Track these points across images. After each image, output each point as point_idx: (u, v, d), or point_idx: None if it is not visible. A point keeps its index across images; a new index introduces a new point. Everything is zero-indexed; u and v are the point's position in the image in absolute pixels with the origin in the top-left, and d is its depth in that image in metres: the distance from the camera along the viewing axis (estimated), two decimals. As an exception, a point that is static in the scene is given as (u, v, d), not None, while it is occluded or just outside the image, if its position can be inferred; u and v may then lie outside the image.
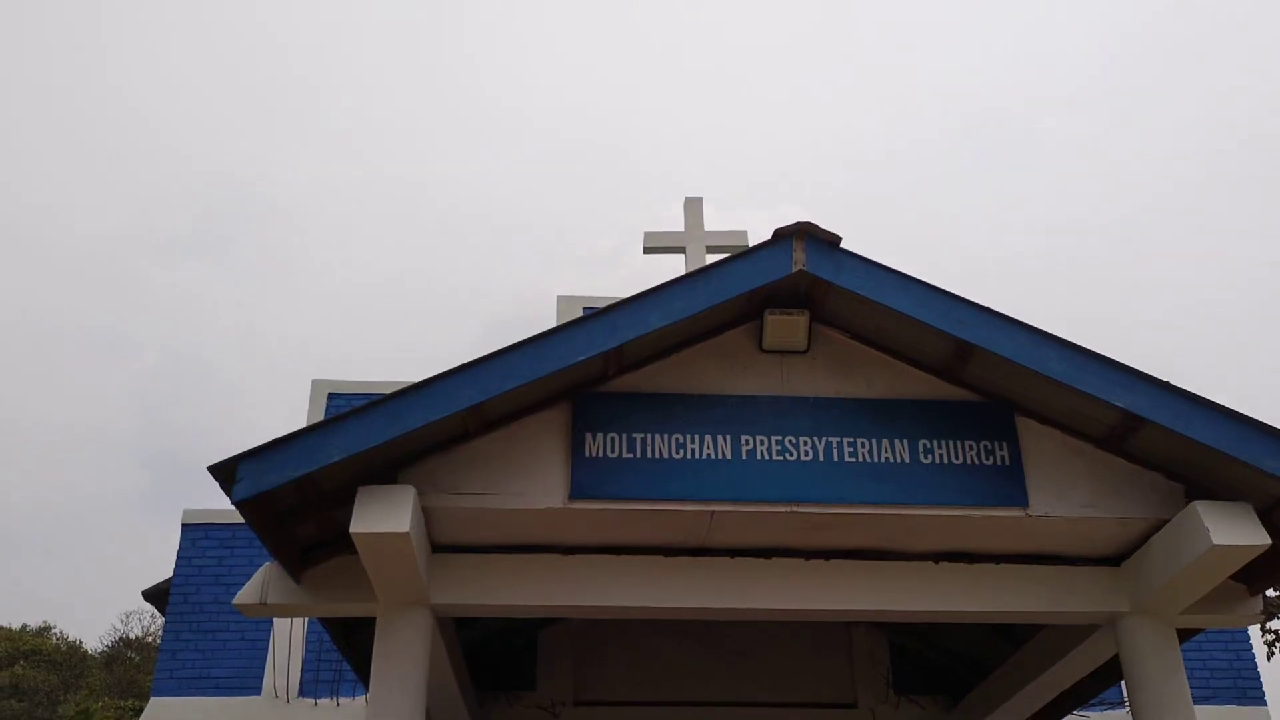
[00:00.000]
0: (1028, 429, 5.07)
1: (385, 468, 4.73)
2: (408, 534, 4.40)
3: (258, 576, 4.96)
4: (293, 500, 4.58)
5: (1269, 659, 14.22)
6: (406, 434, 4.51)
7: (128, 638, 31.75)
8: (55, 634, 31.87)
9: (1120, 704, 7.66)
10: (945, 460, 4.95)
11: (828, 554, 5.16)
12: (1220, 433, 4.66)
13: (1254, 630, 14.93)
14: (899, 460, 4.94)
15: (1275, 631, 14.36)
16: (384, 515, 4.44)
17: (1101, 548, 5.13)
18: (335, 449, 4.40)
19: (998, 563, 5.18)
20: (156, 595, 8.71)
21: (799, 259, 4.89)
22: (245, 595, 4.92)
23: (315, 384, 8.60)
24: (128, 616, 31.92)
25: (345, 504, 4.56)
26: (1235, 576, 5.03)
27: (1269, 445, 4.62)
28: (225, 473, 4.31)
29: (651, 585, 5.10)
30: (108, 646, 31.74)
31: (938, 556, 5.18)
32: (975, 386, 5.14)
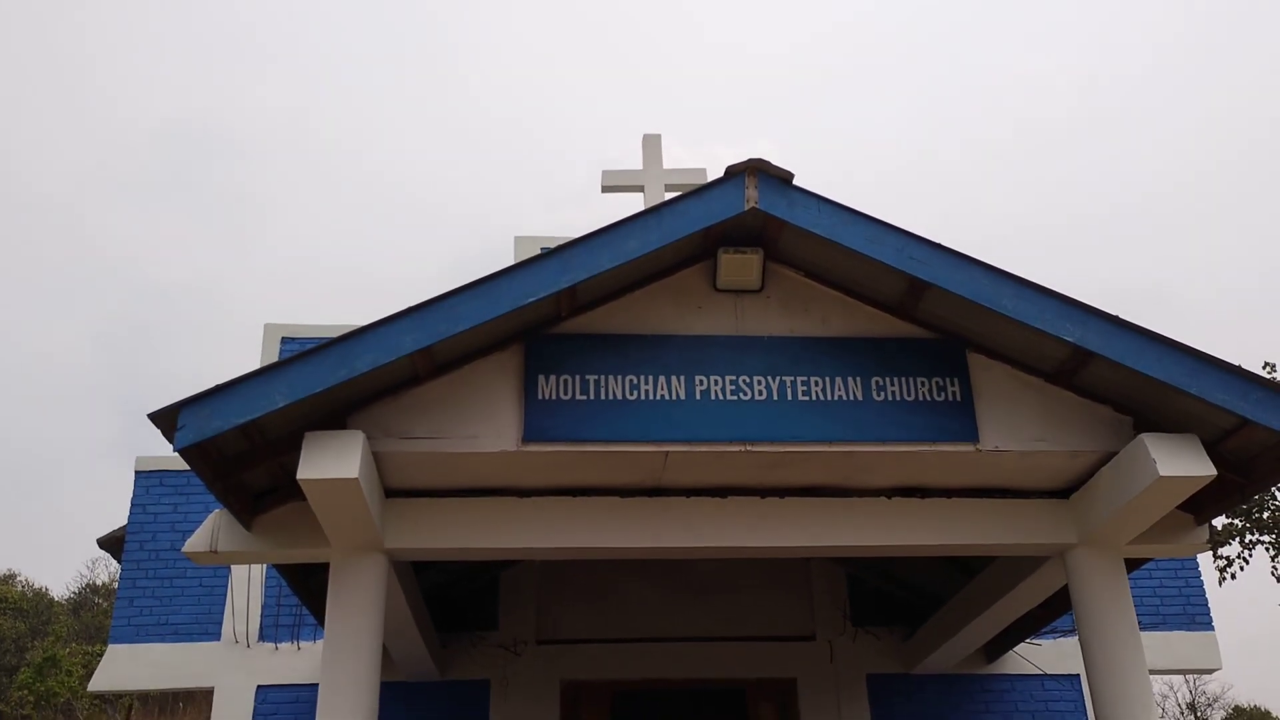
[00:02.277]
0: (979, 364, 5.09)
1: (334, 413, 4.67)
2: (356, 479, 4.35)
3: (207, 524, 4.90)
4: (239, 447, 4.51)
5: (1220, 584, 14.61)
6: (354, 378, 4.44)
7: (94, 584, 31.69)
8: (20, 581, 31.70)
9: (1071, 632, 7.82)
10: (898, 397, 4.96)
11: (782, 492, 5.18)
12: (1169, 366, 4.69)
13: (1205, 558, 15.34)
14: (852, 398, 4.94)
15: (1226, 558, 14.73)
16: (332, 461, 4.38)
17: (1051, 480, 5.18)
18: (279, 394, 4.31)
19: (950, 497, 5.22)
20: (111, 543, 8.62)
21: (751, 196, 4.83)
22: (195, 543, 4.86)
23: (268, 328, 8.43)
24: (94, 562, 31.86)
25: (294, 450, 4.49)
26: (1183, 507, 5.11)
27: (1217, 378, 4.66)
28: (167, 420, 4.21)
29: (607, 526, 5.10)
30: (74, 593, 31.68)
31: (891, 492, 5.22)
32: (928, 323, 5.13)
